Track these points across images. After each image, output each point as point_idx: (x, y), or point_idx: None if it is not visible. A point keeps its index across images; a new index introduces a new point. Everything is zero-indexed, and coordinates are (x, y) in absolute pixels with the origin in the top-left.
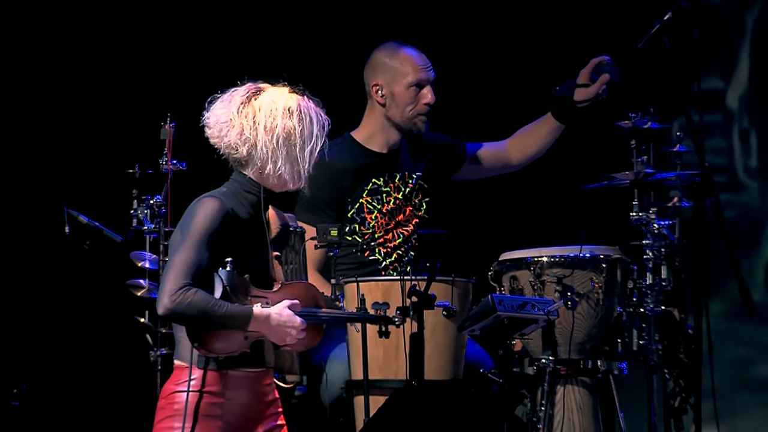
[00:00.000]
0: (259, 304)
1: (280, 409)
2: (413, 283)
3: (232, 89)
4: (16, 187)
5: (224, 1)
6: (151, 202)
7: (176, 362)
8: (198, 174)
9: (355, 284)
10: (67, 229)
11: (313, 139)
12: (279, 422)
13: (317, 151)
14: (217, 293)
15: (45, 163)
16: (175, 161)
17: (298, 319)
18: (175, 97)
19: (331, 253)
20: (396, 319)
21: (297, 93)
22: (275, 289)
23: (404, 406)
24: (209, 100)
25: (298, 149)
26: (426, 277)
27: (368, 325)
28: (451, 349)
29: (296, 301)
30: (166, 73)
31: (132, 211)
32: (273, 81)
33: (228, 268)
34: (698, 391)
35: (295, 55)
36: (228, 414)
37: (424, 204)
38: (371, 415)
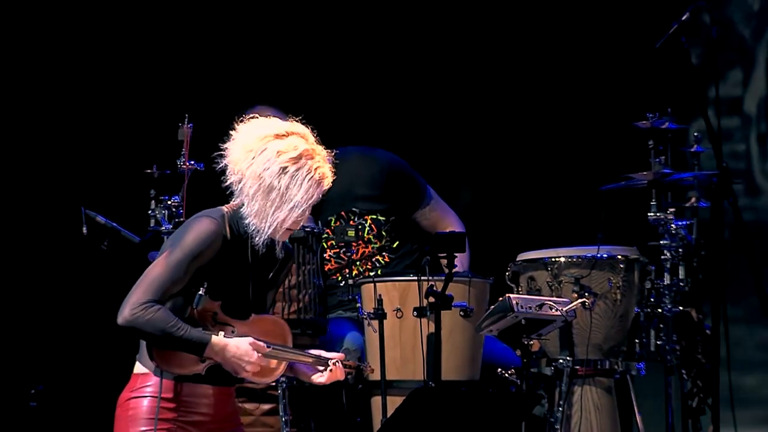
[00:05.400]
0: (223, 333)
1: (240, 420)
2: (431, 283)
3: (282, 118)
4: (35, 187)
5: (242, 6)
6: (169, 202)
7: (136, 368)
8: (215, 174)
9: (372, 285)
10: (84, 230)
11: (291, 206)
12: None
13: (290, 221)
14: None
15: (63, 164)
16: (192, 162)
17: (255, 356)
18: (193, 97)
19: (349, 253)
20: (365, 369)
21: (313, 156)
22: (247, 320)
23: (421, 406)
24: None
25: (273, 208)
26: (443, 278)
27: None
28: (469, 349)
29: (262, 344)
30: (184, 74)
31: (150, 212)
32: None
33: (201, 292)
34: (716, 392)
35: (303, 58)
36: (182, 422)
37: (383, 233)
38: (389, 415)
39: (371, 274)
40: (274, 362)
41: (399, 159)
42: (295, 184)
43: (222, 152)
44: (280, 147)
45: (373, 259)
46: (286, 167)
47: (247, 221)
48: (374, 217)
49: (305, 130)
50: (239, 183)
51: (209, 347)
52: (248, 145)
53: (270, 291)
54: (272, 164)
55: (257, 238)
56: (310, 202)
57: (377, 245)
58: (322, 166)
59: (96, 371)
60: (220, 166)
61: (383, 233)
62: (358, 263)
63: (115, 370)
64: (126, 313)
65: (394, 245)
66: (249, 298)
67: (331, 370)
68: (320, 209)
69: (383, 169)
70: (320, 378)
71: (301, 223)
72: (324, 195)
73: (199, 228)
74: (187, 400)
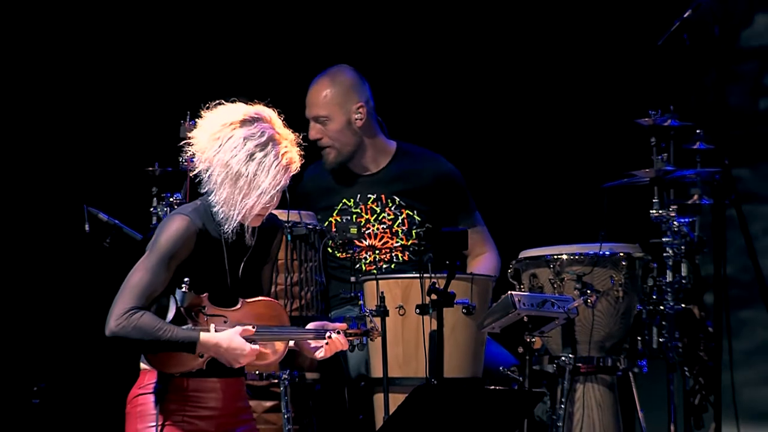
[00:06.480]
0: (213, 325)
1: (253, 416)
2: (433, 280)
3: (245, 104)
4: (37, 185)
5: (243, 4)
6: (171, 200)
7: (142, 365)
8: None
9: (375, 282)
10: (87, 227)
11: (259, 193)
12: (251, 428)
13: (259, 207)
14: (171, 314)
15: (65, 162)
16: (194, 159)
17: (248, 347)
18: (195, 95)
19: (351, 251)
20: (372, 334)
21: (281, 141)
22: (236, 307)
23: (424, 403)
24: (217, 102)
25: (241, 195)
26: (446, 275)
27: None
28: (471, 346)
29: (249, 328)
30: (186, 71)
31: (152, 209)
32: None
33: (183, 289)
34: (718, 389)
35: (306, 57)
36: (192, 417)
37: (413, 234)
38: (391, 412)
39: (384, 266)
40: (275, 344)
41: (460, 174)
42: (262, 171)
43: (189, 140)
44: (247, 133)
45: (393, 254)
46: (253, 154)
47: (215, 209)
48: (410, 213)
49: (272, 114)
50: (207, 171)
51: (200, 345)
52: (214, 132)
53: (265, 265)
54: (239, 151)
55: (226, 226)
56: (278, 188)
57: (402, 242)
58: (289, 150)
59: (98, 369)
60: (188, 154)
61: (413, 233)
62: (378, 251)
63: (116, 368)
64: (111, 324)
65: (420, 248)
66: (231, 284)
67: (327, 343)
68: (355, 183)
69: (438, 172)
70: (320, 354)
71: (271, 209)
72: (373, 175)
73: (171, 228)
74: (195, 395)
